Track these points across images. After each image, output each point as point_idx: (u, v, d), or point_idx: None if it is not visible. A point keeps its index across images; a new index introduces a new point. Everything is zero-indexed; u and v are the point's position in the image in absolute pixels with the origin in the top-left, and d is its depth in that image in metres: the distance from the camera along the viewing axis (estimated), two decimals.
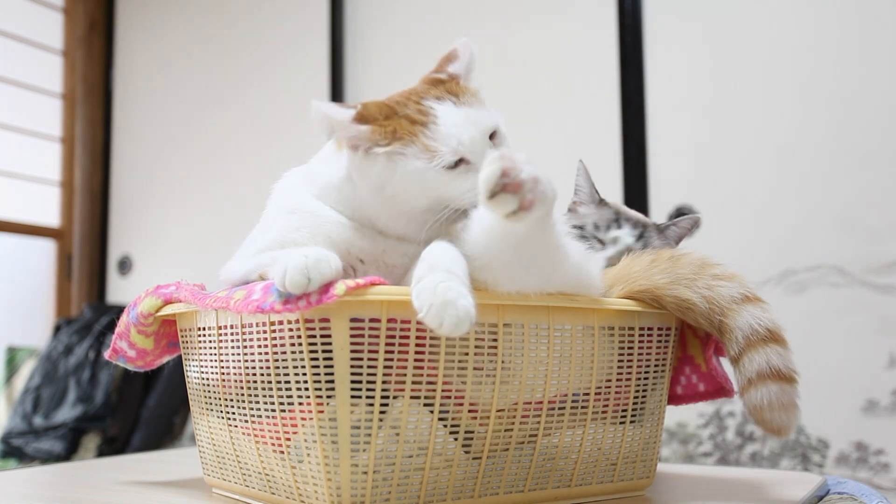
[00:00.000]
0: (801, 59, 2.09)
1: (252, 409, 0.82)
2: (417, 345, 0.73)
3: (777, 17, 2.13)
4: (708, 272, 0.86)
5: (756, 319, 0.82)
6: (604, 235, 0.98)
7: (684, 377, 0.99)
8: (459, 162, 0.79)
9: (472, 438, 0.78)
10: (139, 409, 2.73)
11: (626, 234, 0.97)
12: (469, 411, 0.77)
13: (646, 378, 0.90)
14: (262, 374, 0.79)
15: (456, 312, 0.66)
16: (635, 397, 0.90)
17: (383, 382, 0.72)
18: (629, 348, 0.88)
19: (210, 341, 0.87)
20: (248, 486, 0.86)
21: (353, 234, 0.83)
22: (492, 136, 0.82)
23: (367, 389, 0.71)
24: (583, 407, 0.85)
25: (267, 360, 0.78)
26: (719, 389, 0.95)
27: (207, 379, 0.90)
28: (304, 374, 0.72)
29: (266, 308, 0.70)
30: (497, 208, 0.70)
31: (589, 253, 0.89)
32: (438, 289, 0.67)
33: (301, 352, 0.72)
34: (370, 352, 0.71)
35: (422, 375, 0.74)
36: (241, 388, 0.83)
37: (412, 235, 0.82)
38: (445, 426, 0.76)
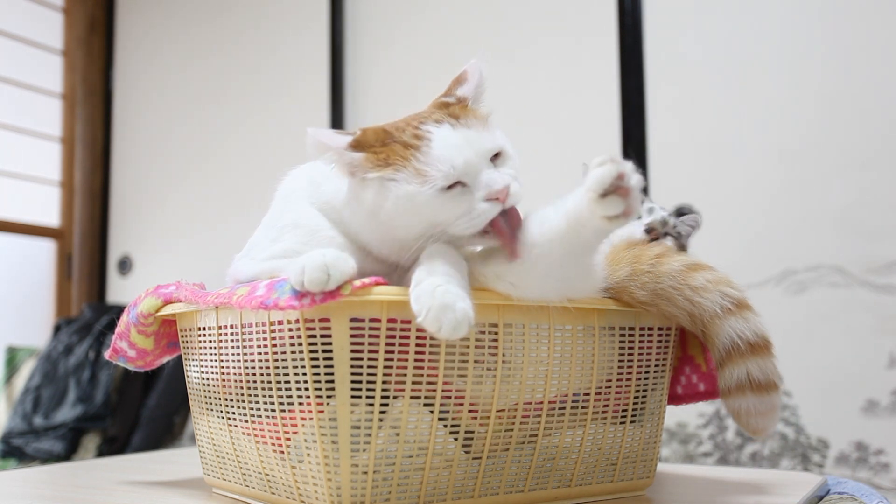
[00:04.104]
0: (801, 59, 2.09)
1: (252, 409, 0.82)
2: (417, 345, 0.73)
3: (778, 17, 2.13)
4: (689, 282, 0.82)
5: (738, 332, 0.81)
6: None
7: (684, 377, 0.99)
8: (455, 185, 0.75)
9: (472, 438, 0.78)
10: (139, 409, 2.73)
11: (659, 207, 0.97)
12: (469, 411, 0.77)
13: (646, 378, 0.90)
14: (262, 374, 0.79)
15: (454, 316, 0.66)
16: (635, 397, 0.90)
17: (383, 382, 0.72)
18: (629, 348, 0.88)
19: (210, 341, 0.87)
20: (248, 486, 0.86)
21: (354, 255, 0.79)
22: (496, 158, 0.79)
23: (367, 389, 0.71)
24: (583, 407, 0.85)
25: (267, 360, 0.78)
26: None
27: (207, 379, 0.90)
28: (304, 374, 0.72)
29: (270, 304, 0.70)
30: (603, 209, 0.69)
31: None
32: (437, 292, 0.67)
33: (301, 352, 0.72)
34: (370, 352, 0.71)
35: (422, 375, 0.74)
36: (241, 388, 0.83)
37: (404, 262, 0.80)
38: (445, 426, 0.76)
